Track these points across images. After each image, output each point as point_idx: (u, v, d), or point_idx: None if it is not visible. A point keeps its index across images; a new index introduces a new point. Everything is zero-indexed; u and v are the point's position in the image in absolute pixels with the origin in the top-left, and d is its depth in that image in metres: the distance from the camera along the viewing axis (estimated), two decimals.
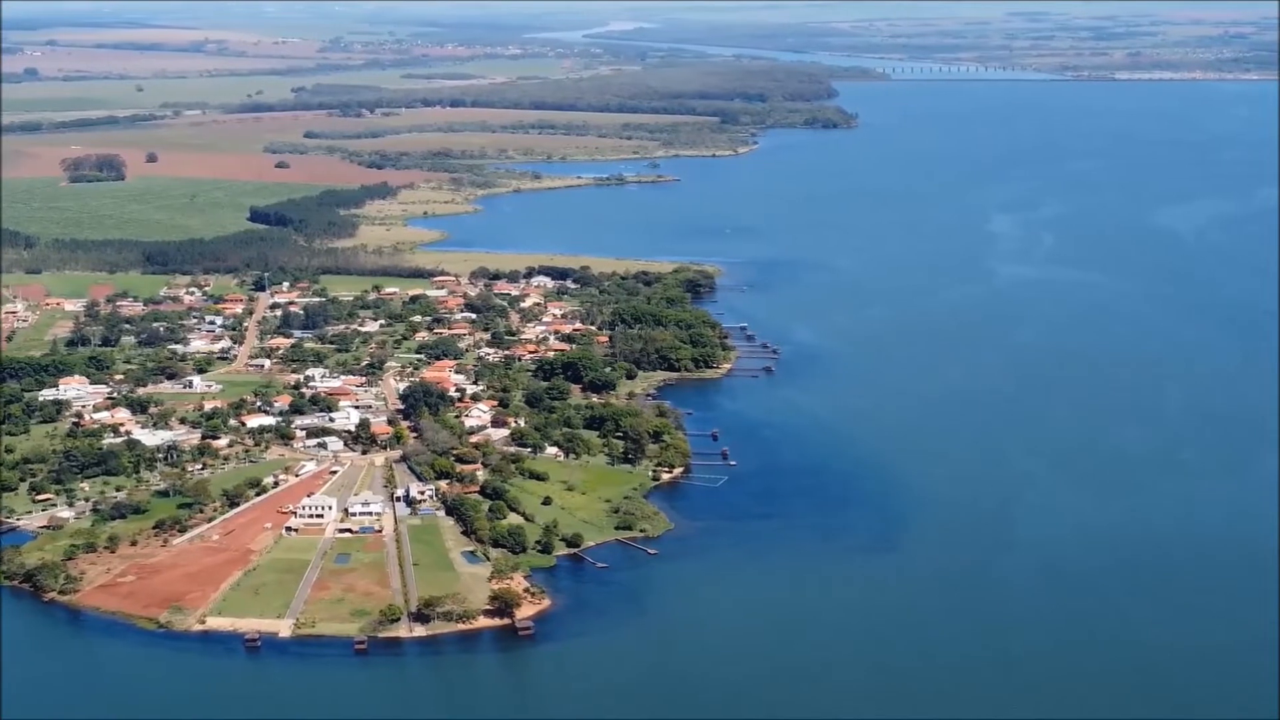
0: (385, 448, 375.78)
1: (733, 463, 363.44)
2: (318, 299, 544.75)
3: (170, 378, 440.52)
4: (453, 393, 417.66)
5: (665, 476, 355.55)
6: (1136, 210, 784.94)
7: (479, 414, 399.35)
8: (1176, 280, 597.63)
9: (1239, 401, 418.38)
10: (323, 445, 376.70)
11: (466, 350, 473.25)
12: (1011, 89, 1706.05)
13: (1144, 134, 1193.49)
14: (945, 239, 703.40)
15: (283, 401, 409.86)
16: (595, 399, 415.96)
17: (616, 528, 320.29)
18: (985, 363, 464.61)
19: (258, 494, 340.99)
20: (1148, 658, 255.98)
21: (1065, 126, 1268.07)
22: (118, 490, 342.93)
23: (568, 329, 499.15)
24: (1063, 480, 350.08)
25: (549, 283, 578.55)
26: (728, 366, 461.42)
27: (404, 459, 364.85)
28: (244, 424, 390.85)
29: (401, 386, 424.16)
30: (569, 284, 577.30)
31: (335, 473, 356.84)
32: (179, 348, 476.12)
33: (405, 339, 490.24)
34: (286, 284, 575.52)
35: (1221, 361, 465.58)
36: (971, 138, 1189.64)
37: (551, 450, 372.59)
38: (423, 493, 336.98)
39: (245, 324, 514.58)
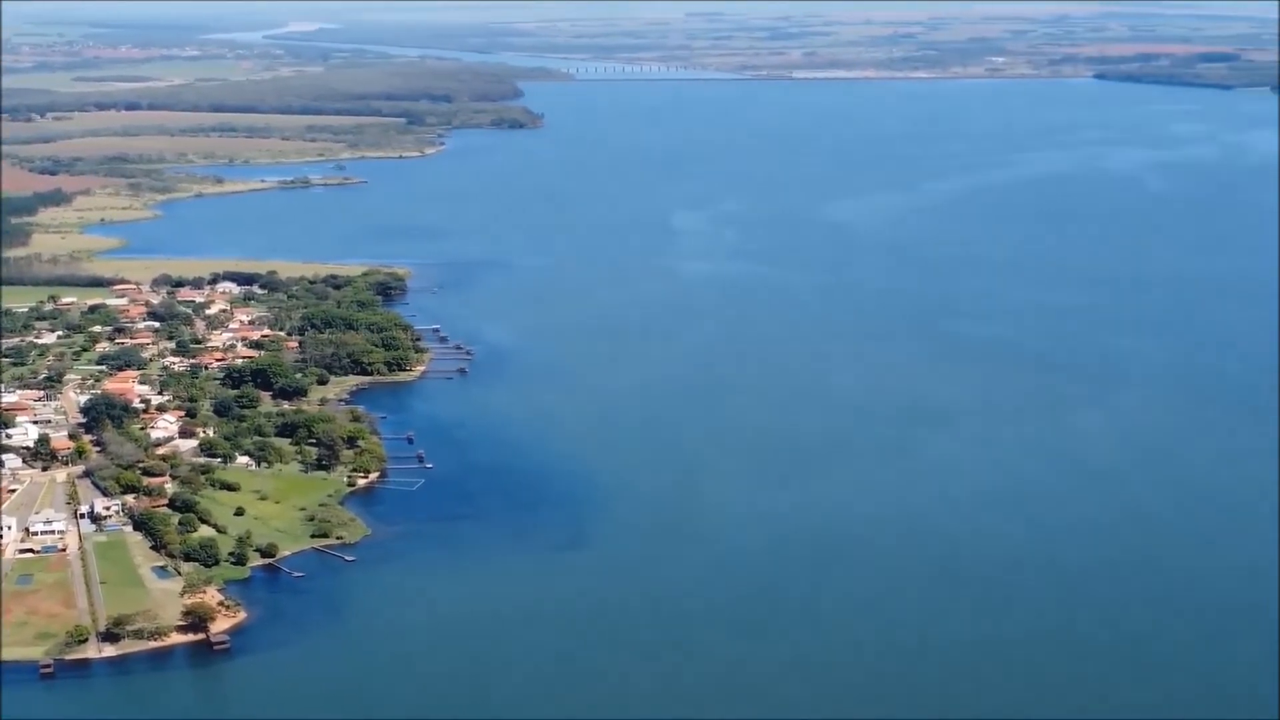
0: (67, 463, 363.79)
1: (429, 465, 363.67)
2: None
3: None
4: (137, 404, 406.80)
5: (361, 482, 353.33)
6: (813, 205, 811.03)
7: (165, 425, 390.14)
8: (850, 272, 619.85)
9: (906, 388, 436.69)
10: None
11: (151, 360, 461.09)
12: (693, 88, 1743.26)
13: (820, 131, 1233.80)
14: (630, 236, 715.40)
15: None
16: (287, 406, 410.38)
17: (312, 536, 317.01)
18: (672, 357, 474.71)
19: None
20: (829, 641, 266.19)
21: (745, 124, 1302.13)
22: None
23: (256, 335, 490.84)
24: (746, 470, 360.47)
25: (235, 288, 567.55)
26: (421, 369, 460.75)
27: (87, 474, 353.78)
28: None
29: (82, 399, 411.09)
30: (256, 289, 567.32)
31: (14, 491, 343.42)
32: None
33: (85, 350, 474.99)
34: None
35: (888, 350, 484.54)
36: (655, 136, 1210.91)
37: (243, 460, 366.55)
38: (108, 508, 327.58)
39: None
